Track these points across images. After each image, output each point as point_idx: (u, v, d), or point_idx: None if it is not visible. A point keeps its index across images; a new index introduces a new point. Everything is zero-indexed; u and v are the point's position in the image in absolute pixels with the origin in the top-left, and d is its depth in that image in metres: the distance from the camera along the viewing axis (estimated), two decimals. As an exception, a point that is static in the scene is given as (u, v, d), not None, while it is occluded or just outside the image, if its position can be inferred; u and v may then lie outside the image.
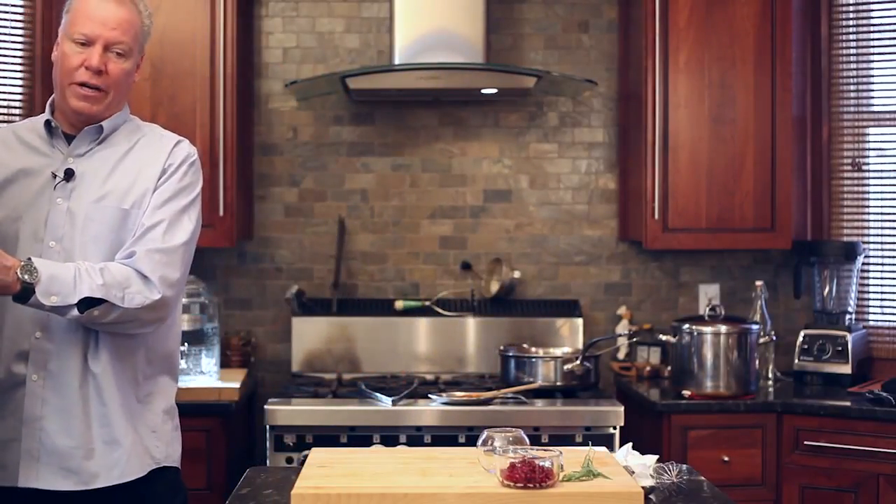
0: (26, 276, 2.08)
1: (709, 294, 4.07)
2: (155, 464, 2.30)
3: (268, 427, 3.27)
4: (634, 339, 3.97)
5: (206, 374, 3.50)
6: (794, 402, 3.45)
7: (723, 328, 3.50)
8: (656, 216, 3.72)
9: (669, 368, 3.73)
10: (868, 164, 3.95)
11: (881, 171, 3.94)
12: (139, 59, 2.38)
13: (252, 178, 4.03)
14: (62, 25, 2.33)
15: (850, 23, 3.96)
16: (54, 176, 2.28)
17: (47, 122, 2.33)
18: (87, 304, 2.14)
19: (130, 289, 2.20)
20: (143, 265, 2.23)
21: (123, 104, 2.39)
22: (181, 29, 3.67)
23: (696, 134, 3.74)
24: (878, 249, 3.92)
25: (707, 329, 3.50)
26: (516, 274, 3.96)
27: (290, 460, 3.23)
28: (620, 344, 4.00)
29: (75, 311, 2.13)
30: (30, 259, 2.11)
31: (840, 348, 3.72)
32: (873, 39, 3.94)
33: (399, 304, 3.95)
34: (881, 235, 3.92)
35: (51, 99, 2.37)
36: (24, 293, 2.09)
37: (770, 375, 3.80)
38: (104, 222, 2.27)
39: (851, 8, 3.96)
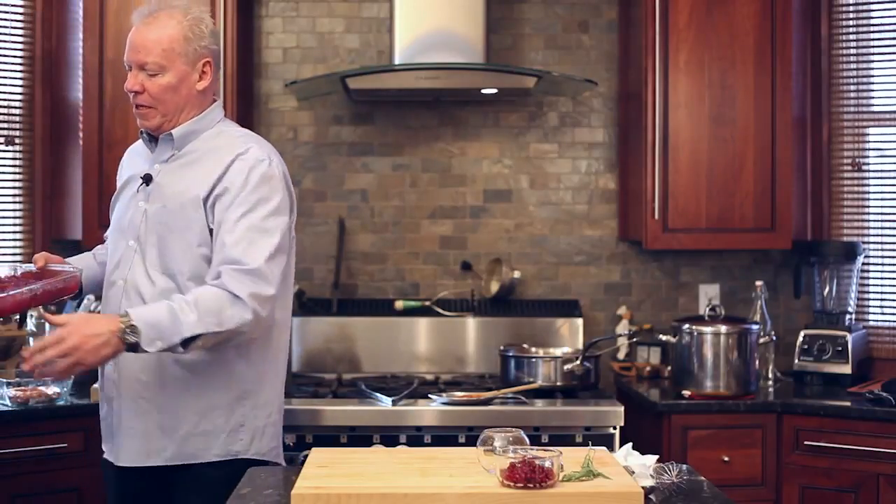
0: (130, 338, 2.27)
1: (709, 294, 4.07)
2: (231, 455, 2.51)
3: (268, 427, 3.26)
4: (634, 339, 3.97)
5: (206, 374, 3.50)
6: (794, 402, 3.45)
7: (723, 328, 3.50)
8: (656, 216, 3.72)
9: (669, 368, 3.73)
10: (868, 164, 3.95)
11: (881, 171, 3.94)
12: (192, 67, 2.49)
13: (252, 178, 4.02)
14: None
15: (850, 23, 3.96)
16: (141, 180, 2.55)
17: (142, 132, 2.58)
18: (188, 340, 2.31)
19: (225, 313, 2.33)
20: (232, 286, 2.36)
21: (192, 112, 2.52)
22: (181, 29, 3.67)
23: (696, 134, 3.74)
24: (878, 249, 3.92)
25: (707, 329, 3.50)
26: (516, 274, 3.96)
27: (290, 460, 3.22)
28: (620, 344, 4.00)
29: (180, 349, 2.32)
30: (127, 314, 2.29)
31: (840, 348, 3.72)
32: (873, 39, 3.94)
33: (399, 304, 3.95)
34: (881, 235, 3.92)
35: None
36: (132, 348, 2.29)
37: (770, 375, 3.80)
38: (164, 224, 2.47)
39: (851, 8, 3.96)
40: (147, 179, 2.52)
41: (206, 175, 2.46)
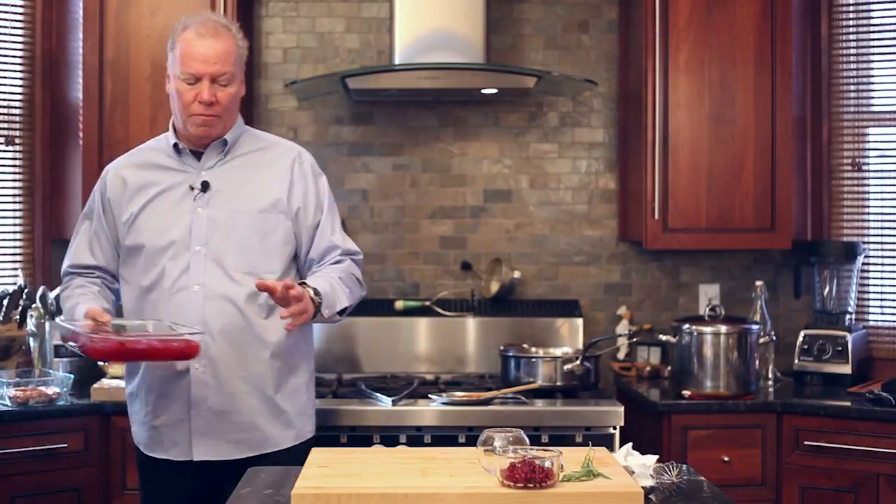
0: (317, 300, 2.48)
1: (709, 294, 4.07)
2: (306, 436, 2.72)
3: (268, 427, 3.26)
4: (634, 339, 3.97)
5: (206, 374, 3.50)
6: (794, 402, 3.45)
7: (723, 328, 3.50)
8: (656, 216, 3.72)
9: (669, 368, 3.73)
10: (868, 164, 3.95)
11: (881, 171, 3.94)
12: (242, 76, 2.69)
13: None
14: (169, 63, 2.65)
15: (850, 23, 3.96)
16: (192, 188, 2.62)
17: (175, 145, 2.66)
18: (341, 310, 2.59)
19: (355, 293, 2.67)
20: (355, 270, 2.71)
21: (236, 119, 2.72)
22: (181, 29, 3.67)
23: (696, 134, 3.74)
24: (878, 249, 3.92)
25: (707, 329, 3.50)
26: (516, 274, 3.96)
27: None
28: (620, 344, 4.00)
29: (337, 317, 2.59)
30: (304, 282, 2.50)
31: (840, 348, 3.72)
32: (873, 39, 3.94)
33: (399, 304, 3.95)
34: (881, 235, 3.92)
35: (171, 122, 2.70)
36: (315, 312, 2.49)
37: (770, 375, 3.80)
38: (246, 228, 2.60)
39: (851, 8, 3.96)
40: (205, 187, 2.62)
41: (275, 178, 2.67)
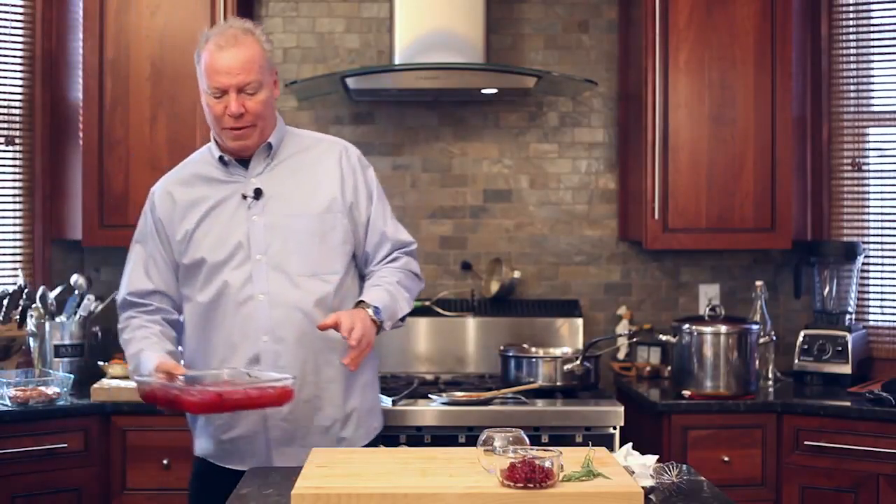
0: (377, 318, 2.49)
1: (709, 294, 4.07)
2: (374, 432, 2.73)
3: (268, 427, 3.26)
4: (634, 339, 3.97)
5: (206, 374, 3.50)
6: (794, 402, 3.45)
7: (723, 328, 3.50)
8: (656, 216, 3.72)
9: (669, 368, 3.73)
10: (868, 164, 3.95)
11: (881, 171, 3.94)
12: (273, 77, 2.61)
13: (252, 178, 4.02)
14: (199, 79, 2.59)
15: (850, 23, 3.96)
16: (244, 197, 2.57)
17: (220, 158, 2.61)
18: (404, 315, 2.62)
19: (414, 291, 2.70)
20: (413, 266, 2.72)
21: (276, 122, 2.64)
22: (181, 29, 3.67)
23: (696, 134, 3.74)
24: (878, 249, 3.92)
25: (707, 329, 3.50)
26: (516, 274, 3.96)
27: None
28: (620, 344, 4.00)
29: (399, 323, 2.61)
30: (363, 301, 2.51)
31: (840, 348, 3.72)
32: (873, 39, 3.94)
33: (399, 304, 3.95)
34: (881, 235, 3.92)
35: (212, 133, 2.64)
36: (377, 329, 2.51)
37: (770, 375, 3.80)
38: (304, 230, 2.56)
39: (851, 8, 3.96)
40: (258, 194, 2.57)
41: (326, 176, 2.62)
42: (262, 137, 2.59)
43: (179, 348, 2.65)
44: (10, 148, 3.84)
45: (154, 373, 2.38)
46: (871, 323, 3.93)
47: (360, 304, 2.53)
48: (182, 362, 2.60)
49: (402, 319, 2.63)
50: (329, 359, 2.58)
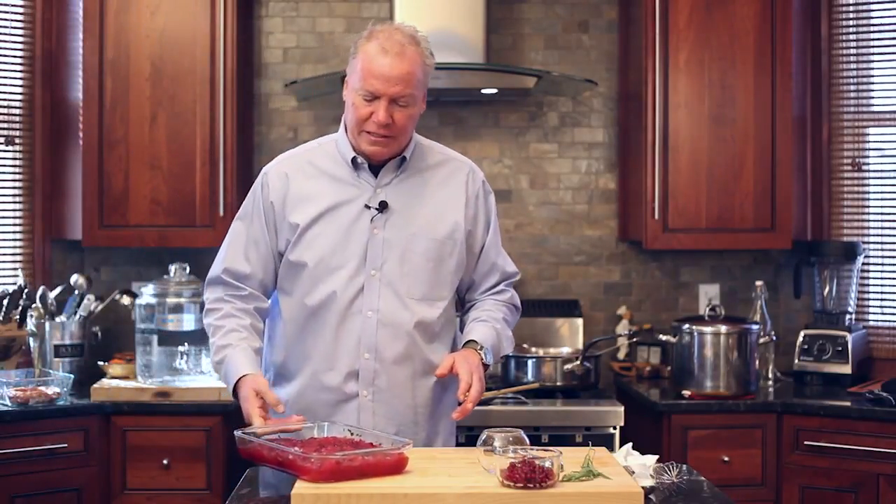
0: (486, 361, 2.45)
1: (709, 294, 4.07)
2: None
3: (268, 427, 3.26)
4: (634, 339, 3.97)
5: (206, 374, 3.50)
6: (794, 402, 3.45)
7: (723, 328, 3.50)
8: (656, 216, 3.72)
9: (669, 368, 3.73)
10: (868, 164, 3.95)
11: (881, 171, 3.94)
12: (424, 92, 2.49)
13: (252, 178, 4.02)
14: (349, 70, 2.46)
15: (850, 23, 3.96)
16: (368, 207, 2.46)
17: (354, 159, 2.48)
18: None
19: (515, 323, 2.66)
20: (516, 300, 2.67)
21: (412, 136, 2.54)
22: (181, 29, 3.67)
23: (696, 134, 3.74)
24: (878, 249, 3.92)
25: (707, 329, 3.50)
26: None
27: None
28: (620, 344, 4.00)
29: (500, 359, 2.64)
30: (474, 341, 2.47)
31: (840, 348, 3.72)
32: (873, 39, 3.94)
33: (399, 304, 3.94)
34: (881, 235, 3.92)
35: (342, 129, 2.51)
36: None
37: (770, 375, 3.80)
38: (423, 253, 2.48)
39: (851, 8, 3.96)
40: (383, 206, 2.46)
41: (451, 200, 2.53)
42: (396, 150, 2.48)
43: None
44: (10, 148, 3.84)
45: (251, 411, 2.26)
46: (871, 323, 3.93)
47: (470, 342, 2.47)
48: (262, 360, 2.51)
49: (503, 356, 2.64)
50: (425, 382, 2.51)
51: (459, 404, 2.34)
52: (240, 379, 2.35)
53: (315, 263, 2.45)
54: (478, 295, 2.62)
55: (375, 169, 2.49)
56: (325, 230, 2.46)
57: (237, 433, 2.16)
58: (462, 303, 2.66)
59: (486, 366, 2.45)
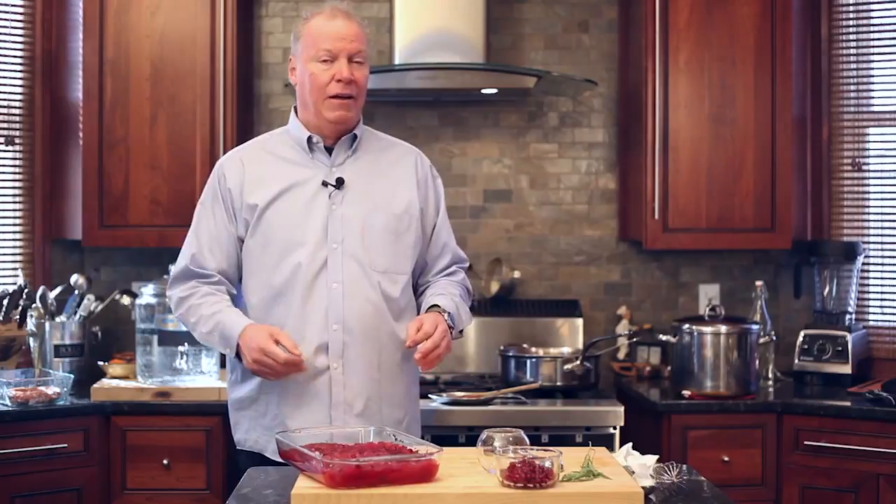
0: (449, 323, 2.52)
1: (709, 294, 4.07)
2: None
3: (268, 427, 3.26)
4: (634, 339, 3.97)
5: (206, 374, 3.50)
6: (794, 402, 3.45)
7: (723, 328, 3.50)
8: (656, 216, 3.72)
9: (669, 368, 3.73)
10: (868, 164, 3.95)
11: (881, 171, 3.94)
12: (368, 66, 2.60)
13: (252, 178, 4.02)
14: (297, 50, 2.58)
15: (850, 23, 3.96)
16: (325, 184, 2.55)
17: (309, 139, 2.58)
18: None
19: (467, 306, 2.70)
20: (468, 282, 2.77)
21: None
22: (181, 29, 3.67)
23: (696, 134, 3.74)
24: (878, 249, 3.92)
25: (707, 329, 3.50)
26: (516, 274, 3.96)
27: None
28: (620, 344, 4.00)
29: (459, 335, 2.61)
30: (437, 305, 2.54)
31: (840, 348, 3.72)
32: (873, 39, 3.94)
33: (399, 304, 3.94)
34: (881, 235, 3.92)
35: (294, 116, 2.63)
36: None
37: (770, 375, 3.80)
38: (382, 227, 2.57)
39: (851, 8, 3.96)
40: (339, 183, 2.55)
41: (404, 179, 2.64)
42: (356, 117, 2.60)
43: None
44: (10, 148, 3.84)
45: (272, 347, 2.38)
46: (871, 323, 3.93)
47: (433, 307, 2.54)
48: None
49: (461, 332, 2.64)
50: (393, 356, 2.57)
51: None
52: (243, 330, 2.43)
53: (277, 240, 2.53)
54: (431, 276, 2.71)
55: (329, 151, 2.60)
56: (283, 209, 2.54)
57: (279, 435, 2.20)
58: (416, 287, 2.71)
59: (450, 328, 2.51)
